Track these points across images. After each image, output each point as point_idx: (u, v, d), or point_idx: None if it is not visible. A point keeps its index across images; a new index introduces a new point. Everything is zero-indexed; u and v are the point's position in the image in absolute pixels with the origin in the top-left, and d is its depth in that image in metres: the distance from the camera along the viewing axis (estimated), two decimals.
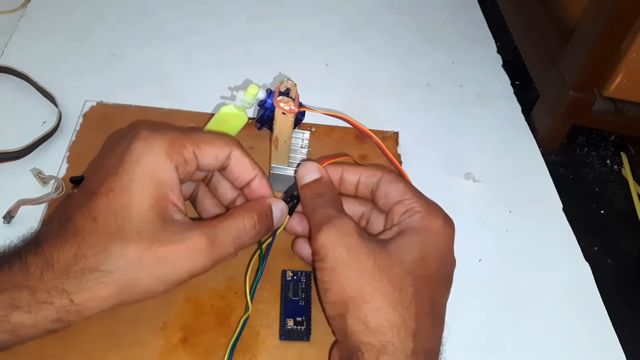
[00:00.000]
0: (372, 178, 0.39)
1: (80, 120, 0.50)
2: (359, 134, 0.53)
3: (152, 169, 0.33)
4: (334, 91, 0.59)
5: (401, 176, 0.40)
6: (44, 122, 0.51)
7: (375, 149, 0.52)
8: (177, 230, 0.33)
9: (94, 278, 0.31)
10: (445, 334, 0.34)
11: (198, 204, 0.41)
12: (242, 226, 0.35)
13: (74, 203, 0.34)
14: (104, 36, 0.61)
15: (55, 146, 0.49)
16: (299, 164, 0.41)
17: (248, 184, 0.38)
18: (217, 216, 0.37)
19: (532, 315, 0.44)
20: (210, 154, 0.36)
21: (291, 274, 0.41)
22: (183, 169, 0.35)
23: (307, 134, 0.47)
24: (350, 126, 0.52)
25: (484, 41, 0.69)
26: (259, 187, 0.38)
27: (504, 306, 0.44)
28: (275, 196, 0.39)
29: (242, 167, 0.37)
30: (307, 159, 0.40)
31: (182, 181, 0.35)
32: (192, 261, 0.33)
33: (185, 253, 0.32)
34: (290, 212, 0.40)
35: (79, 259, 0.31)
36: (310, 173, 0.39)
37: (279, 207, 0.38)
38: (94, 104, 0.52)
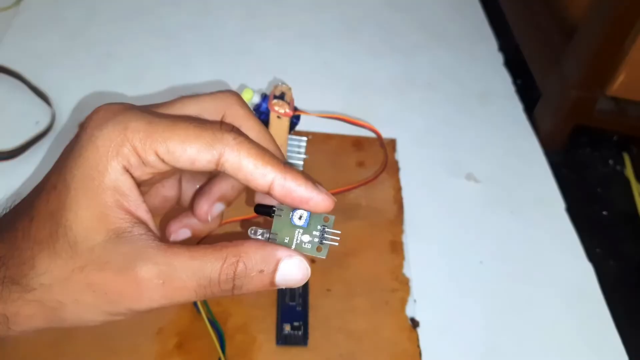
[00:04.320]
0: None
1: (76, 130, 0.50)
2: (355, 141, 0.52)
3: (92, 169, 0.25)
4: (333, 90, 0.58)
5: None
6: (37, 122, 0.50)
7: (372, 156, 0.51)
8: (125, 252, 0.25)
9: (17, 291, 0.25)
10: None
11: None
12: (211, 273, 0.25)
13: (27, 198, 0.27)
14: (98, 34, 0.60)
15: (49, 146, 0.48)
16: None
17: (270, 192, 0.26)
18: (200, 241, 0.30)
19: (535, 318, 0.43)
20: (183, 157, 0.25)
21: None
22: (141, 171, 0.25)
23: (303, 141, 0.47)
24: (347, 134, 0.52)
25: (485, 39, 0.69)
26: (288, 193, 0.26)
27: (506, 308, 0.44)
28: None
29: (244, 175, 0.26)
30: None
31: (144, 183, 0.27)
32: (134, 299, 0.25)
33: (126, 287, 0.25)
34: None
35: (1, 265, 0.25)
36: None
37: (294, 266, 0.26)
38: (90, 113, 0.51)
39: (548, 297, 0.45)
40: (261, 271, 0.25)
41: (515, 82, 0.63)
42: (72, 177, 0.25)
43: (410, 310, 0.41)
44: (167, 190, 0.31)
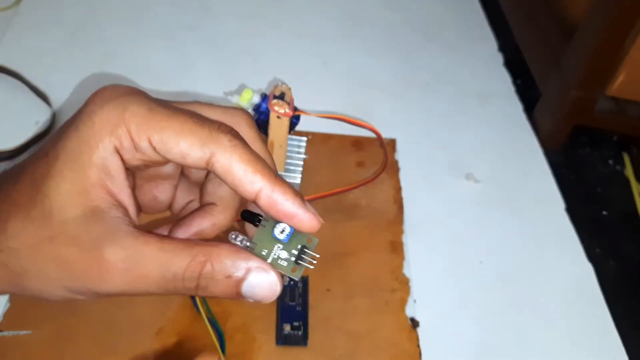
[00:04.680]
0: None
1: None
2: (355, 141, 0.52)
3: (84, 143, 0.25)
4: (332, 90, 0.58)
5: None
6: (37, 122, 0.50)
7: (372, 156, 0.51)
8: (96, 231, 0.24)
9: None
10: None
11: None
12: (177, 268, 0.24)
13: (20, 164, 0.27)
14: (98, 34, 0.60)
15: None
16: None
17: (257, 201, 0.25)
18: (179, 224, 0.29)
19: (534, 318, 0.43)
20: (175, 149, 0.25)
21: (288, 279, 0.40)
22: (131, 155, 0.25)
23: (303, 141, 0.47)
24: (347, 134, 0.52)
25: (485, 39, 0.68)
26: (274, 205, 0.25)
27: (506, 308, 0.44)
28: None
29: (232, 179, 0.25)
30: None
31: (134, 168, 0.26)
32: (95, 280, 0.25)
33: (89, 266, 0.24)
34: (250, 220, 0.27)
35: None
36: None
37: (264, 280, 0.25)
38: None
39: (548, 297, 0.45)
40: (228, 277, 0.24)
41: (515, 82, 0.63)
42: (63, 148, 0.25)
43: (410, 310, 0.41)
44: (160, 192, 0.31)
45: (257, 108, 0.42)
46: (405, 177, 0.50)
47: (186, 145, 0.24)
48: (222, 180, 0.25)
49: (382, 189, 0.49)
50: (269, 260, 0.25)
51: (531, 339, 0.42)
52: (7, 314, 0.37)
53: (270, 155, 0.29)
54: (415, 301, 0.42)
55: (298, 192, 0.25)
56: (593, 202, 0.55)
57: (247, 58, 0.61)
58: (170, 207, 0.31)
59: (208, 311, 0.38)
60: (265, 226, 0.25)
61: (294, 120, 0.43)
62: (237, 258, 0.25)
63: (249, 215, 0.26)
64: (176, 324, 0.38)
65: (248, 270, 0.24)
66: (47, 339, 0.36)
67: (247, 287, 0.25)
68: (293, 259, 0.25)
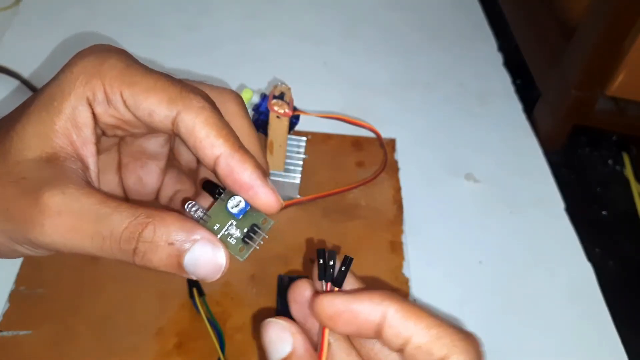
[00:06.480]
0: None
1: None
2: (355, 141, 0.52)
3: (58, 90, 0.25)
4: (332, 90, 0.58)
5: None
6: None
7: (372, 156, 0.51)
8: (44, 176, 0.23)
9: None
10: None
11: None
12: (115, 225, 0.22)
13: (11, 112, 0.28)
14: (98, 34, 0.60)
15: None
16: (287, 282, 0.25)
17: (215, 167, 0.24)
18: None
19: (534, 318, 0.43)
20: (143, 105, 0.24)
21: (288, 280, 0.40)
22: (103, 109, 0.25)
23: (303, 141, 0.47)
24: (347, 134, 0.52)
25: (485, 39, 0.68)
26: (230, 173, 0.23)
27: (505, 308, 0.44)
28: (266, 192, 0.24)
29: (193, 141, 0.24)
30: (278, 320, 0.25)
31: (109, 128, 0.26)
32: (29, 224, 0.23)
33: (25, 209, 0.23)
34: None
35: None
36: (281, 343, 0.24)
37: (209, 253, 0.23)
38: None
39: (547, 297, 0.45)
40: (171, 243, 0.22)
41: (514, 82, 0.63)
42: (41, 94, 0.25)
43: None
44: (146, 174, 0.30)
45: (256, 108, 0.42)
46: (405, 177, 0.50)
47: (154, 102, 0.24)
48: (185, 143, 0.24)
49: (382, 189, 0.49)
50: (219, 236, 0.23)
51: (531, 339, 0.42)
52: (7, 314, 0.37)
53: (256, 136, 0.27)
54: (414, 301, 0.42)
55: (260, 166, 0.24)
56: (593, 202, 0.56)
57: (247, 58, 0.61)
58: (157, 195, 0.30)
59: (208, 311, 0.38)
60: (223, 200, 0.24)
61: (294, 120, 0.43)
62: (184, 225, 0.23)
63: (210, 186, 0.25)
64: (176, 324, 0.38)
65: (193, 241, 0.22)
66: (47, 339, 0.36)
67: (189, 260, 0.22)
68: (242, 236, 0.23)
